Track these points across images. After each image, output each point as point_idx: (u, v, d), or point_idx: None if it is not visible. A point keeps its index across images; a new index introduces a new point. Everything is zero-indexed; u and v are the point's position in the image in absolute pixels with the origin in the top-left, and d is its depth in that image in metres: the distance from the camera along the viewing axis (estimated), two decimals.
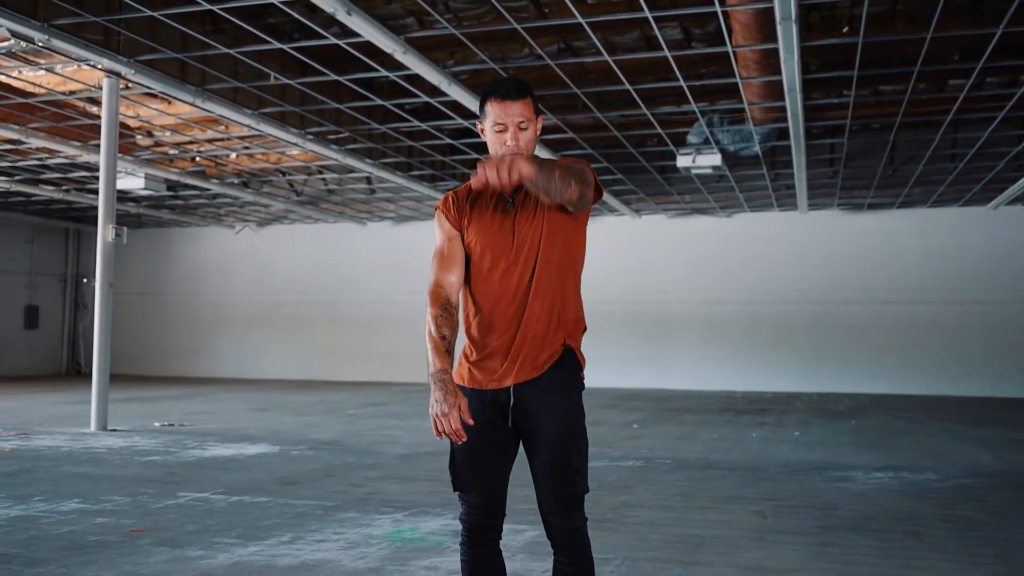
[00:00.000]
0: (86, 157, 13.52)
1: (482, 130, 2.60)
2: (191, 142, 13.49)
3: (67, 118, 11.96)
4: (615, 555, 4.43)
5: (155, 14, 8.25)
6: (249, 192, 16.87)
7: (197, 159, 14.82)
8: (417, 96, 10.56)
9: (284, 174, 16.06)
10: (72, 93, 10.90)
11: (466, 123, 11.60)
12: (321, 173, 15.69)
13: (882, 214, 17.81)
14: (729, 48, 8.66)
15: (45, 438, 9.10)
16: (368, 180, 16.13)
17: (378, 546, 4.63)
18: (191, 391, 16.26)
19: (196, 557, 4.36)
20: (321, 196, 17.87)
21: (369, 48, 8.89)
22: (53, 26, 8.31)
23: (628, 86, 9.94)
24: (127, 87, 10.40)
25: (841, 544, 4.77)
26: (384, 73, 9.68)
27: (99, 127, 10.61)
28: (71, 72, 10.17)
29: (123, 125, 12.01)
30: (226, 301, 21.63)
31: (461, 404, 2.45)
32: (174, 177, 15.03)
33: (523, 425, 2.56)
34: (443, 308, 2.55)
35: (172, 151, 14.20)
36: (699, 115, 11.41)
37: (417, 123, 11.97)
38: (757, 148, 12.36)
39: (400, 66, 9.32)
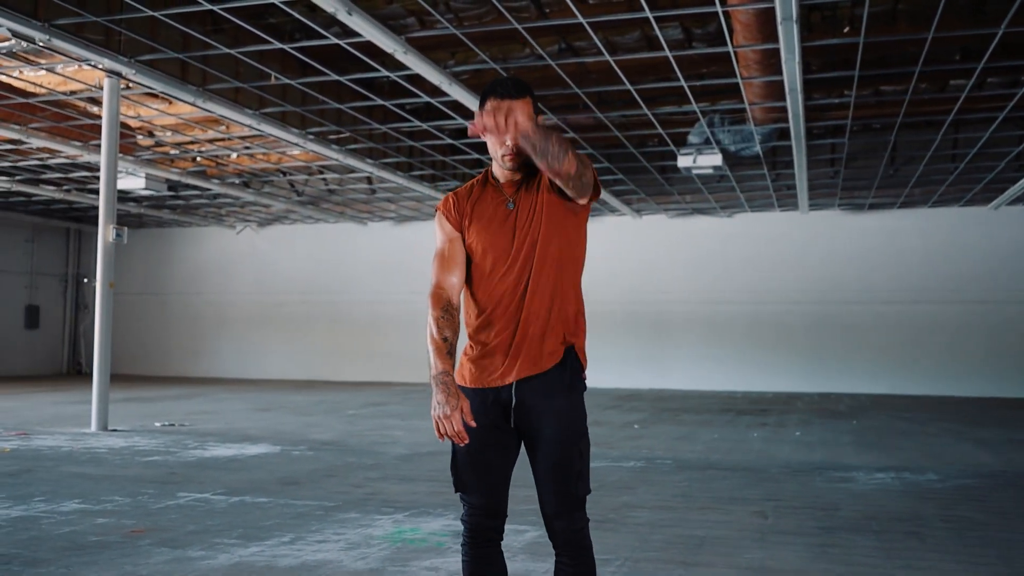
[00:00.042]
0: (87, 157, 13.52)
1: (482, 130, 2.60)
2: (192, 142, 13.49)
3: (68, 118, 11.97)
4: (616, 556, 4.43)
5: (156, 14, 8.25)
6: (250, 192, 16.87)
7: (198, 159, 14.81)
8: (418, 96, 10.56)
9: (285, 174, 16.06)
10: (73, 93, 10.90)
11: (467, 123, 11.56)
12: (322, 173, 15.69)
13: (883, 214, 17.80)
14: (730, 48, 8.65)
15: (46, 438, 9.10)
16: (369, 180, 16.13)
17: (379, 547, 4.63)
18: (192, 391, 16.26)
19: (197, 558, 4.36)
20: (322, 196, 17.87)
21: (370, 48, 8.89)
22: (54, 26, 8.31)
23: (629, 86, 9.93)
24: (128, 87, 10.40)
25: (842, 545, 4.77)
26: (385, 73, 9.68)
27: (100, 127, 10.61)
28: (72, 72, 10.17)
29: (124, 125, 12.01)
30: (227, 301, 21.63)
31: (463, 406, 2.44)
32: (175, 177, 15.03)
33: (525, 426, 2.55)
34: (444, 310, 2.54)
35: (173, 151, 14.20)
36: (700, 115, 11.41)
37: (418, 123, 11.97)
38: (758, 148, 12.35)
39: (401, 66, 9.32)
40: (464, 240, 2.62)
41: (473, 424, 2.45)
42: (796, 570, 4.25)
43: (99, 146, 10.87)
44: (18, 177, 16.20)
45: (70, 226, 21.98)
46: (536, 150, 2.34)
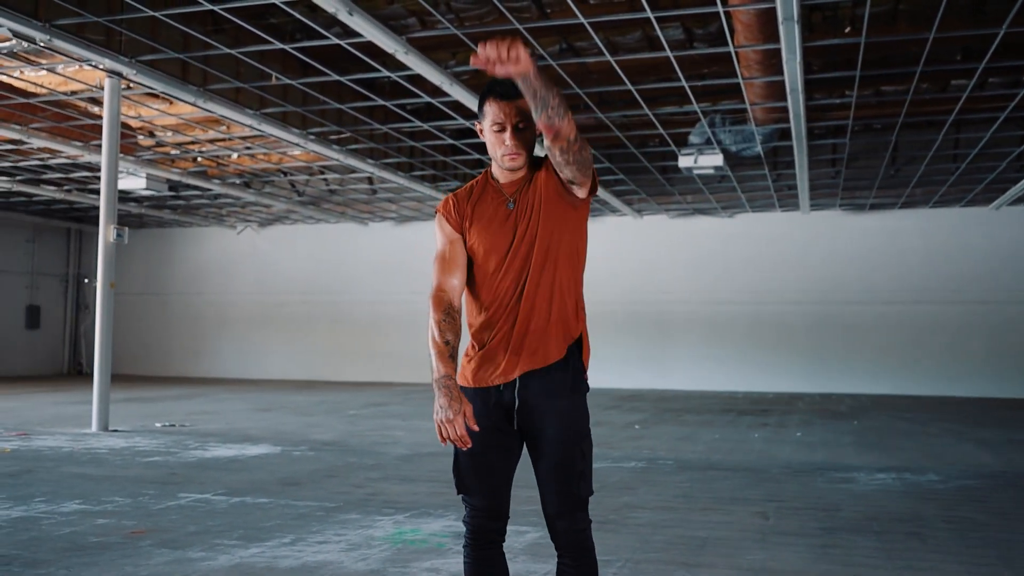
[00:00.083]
0: (88, 157, 13.52)
1: (481, 130, 2.59)
2: (193, 142, 13.49)
3: (69, 118, 11.96)
4: (617, 557, 4.42)
5: (157, 14, 8.24)
6: (251, 192, 16.87)
7: (199, 159, 14.81)
8: (419, 96, 10.56)
9: (286, 174, 16.06)
10: (74, 93, 10.90)
11: (467, 123, 11.59)
12: (323, 173, 15.69)
13: (884, 214, 17.79)
14: (731, 48, 8.65)
15: (46, 438, 9.10)
16: (370, 180, 16.13)
17: (379, 548, 4.63)
18: (192, 391, 16.26)
19: (197, 558, 4.35)
20: (323, 196, 17.87)
21: (371, 48, 8.89)
22: (54, 26, 8.31)
23: (630, 86, 9.93)
24: (128, 87, 10.40)
25: (843, 545, 4.76)
26: (386, 73, 9.68)
27: (101, 127, 10.61)
28: (72, 72, 10.17)
29: (125, 125, 12.01)
30: (228, 301, 21.64)
31: (466, 410, 2.43)
32: (176, 177, 15.03)
33: (527, 427, 2.55)
34: (446, 313, 2.53)
35: (174, 151, 14.20)
36: (701, 115, 11.40)
37: (419, 123, 11.96)
38: (759, 148, 12.34)
39: (402, 66, 9.32)
40: (465, 242, 2.61)
41: (476, 428, 2.44)
42: (797, 571, 4.25)
43: (100, 146, 10.87)
44: (19, 177, 16.20)
45: (71, 226, 21.98)
46: (536, 97, 2.31)
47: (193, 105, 10.54)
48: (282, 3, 7.83)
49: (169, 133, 12.99)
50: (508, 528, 2.64)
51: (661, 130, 11.89)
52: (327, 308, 20.76)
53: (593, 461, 2.62)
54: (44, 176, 16.07)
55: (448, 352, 2.48)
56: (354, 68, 9.74)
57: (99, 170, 12.07)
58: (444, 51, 9.41)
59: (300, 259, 21.20)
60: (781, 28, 7.58)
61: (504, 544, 2.65)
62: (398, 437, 9.55)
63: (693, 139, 12.29)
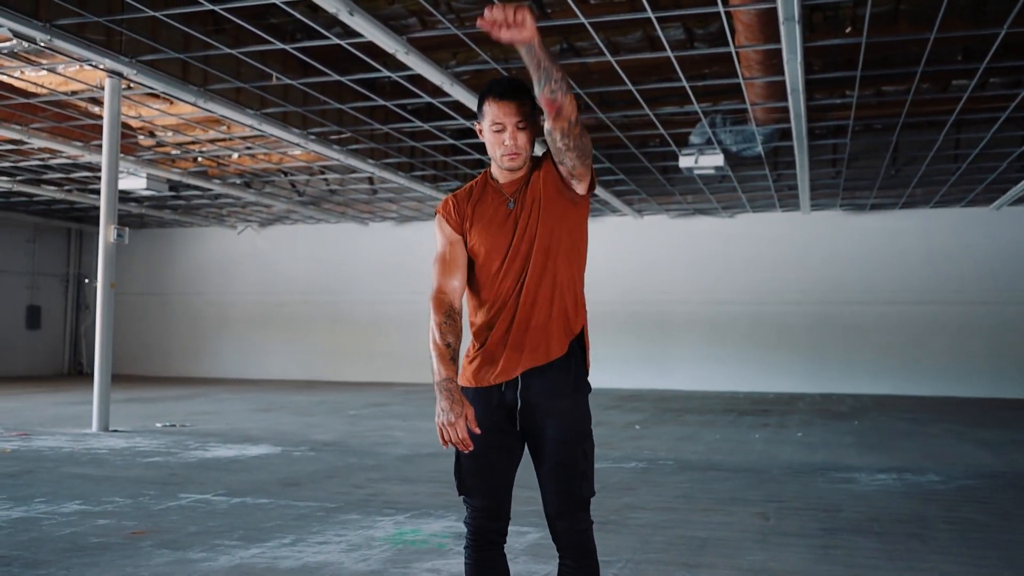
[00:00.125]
0: (88, 157, 13.52)
1: (480, 131, 2.58)
2: (193, 142, 13.49)
3: (69, 118, 11.96)
4: (618, 557, 4.42)
5: (157, 14, 8.24)
6: (251, 192, 16.87)
7: (199, 159, 14.81)
8: (419, 96, 10.55)
9: (286, 174, 16.06)
10: (74, 93, 10.90)
11: (468, 123, 11.59)
12: (323, 173, 15.69)
13: (885, 215, 17.79)
14: (732, 48, 8.64)
15: (46, 439, 9.10)
16: (370, 180, 16.13)
17: (380, 548, 4.62)
18: (193, 391, 16.26)
19: (197, 559, 4.35)
20: (323, 196, 17.87)
21: (371, 48, 8.88)
22: (55, 26, 8.31)
23: (631, 86, 9.93)
24: (129, 87, 10.40)
25: (844, 546, 4.76)
26: (386, 73, 9.68)
27: (101, 127, 10.61)
28: (73, 72, 10.17)
29: (125, 125, 12.01)
30: (228, 301, 21.64)
31: (468, 413, 2.42)
32: (176, 177, 15.03)
33: (529, 427, 2.54)
34: (447, 315, 2.52)
35: (174, 151, 14.20)
36: (702, 115, 11.40)
37: (419, 123, 11.96)
38: (759, 148, 12.34)
39: (402, 66, 9.31)
40: (466, 243, 2.60)
41: (478, 431, 2.43)
42: (798, 572, 4.24)
43: (100, 146, 10.87)
44: (19, 177, 16.20)
45: (71, 226, 21.98)
46: (540, 67, 2.30)
47: (194, 105, 10.54)
48: (283, 3, 7.82)
49: (169, 133, 12.99)
50: (509, 529, 2.63)
51: (662, 130, 11.89)
52: (327, 308, 20.76)
53: (595, 461, 2.61)
54: (45, 176, 16.07)
55: (449, 355, 2.47)
56: (355, 68, 9.74)
57: (99, 170, 12.06)
58: (445, 51, 9.41)
59: (300, 259, 21.20)
60: (782, 28, 7.58)
61: (505, 545, 2.65)
62: (398, 437, 9.54)
63: (694, 139, 12.29)
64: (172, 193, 16.94)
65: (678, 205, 17.92)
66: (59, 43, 8.49)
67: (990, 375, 16.86)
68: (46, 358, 21.85)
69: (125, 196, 16.69)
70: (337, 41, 8.72)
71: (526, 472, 2.64)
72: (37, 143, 12.61)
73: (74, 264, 22.53)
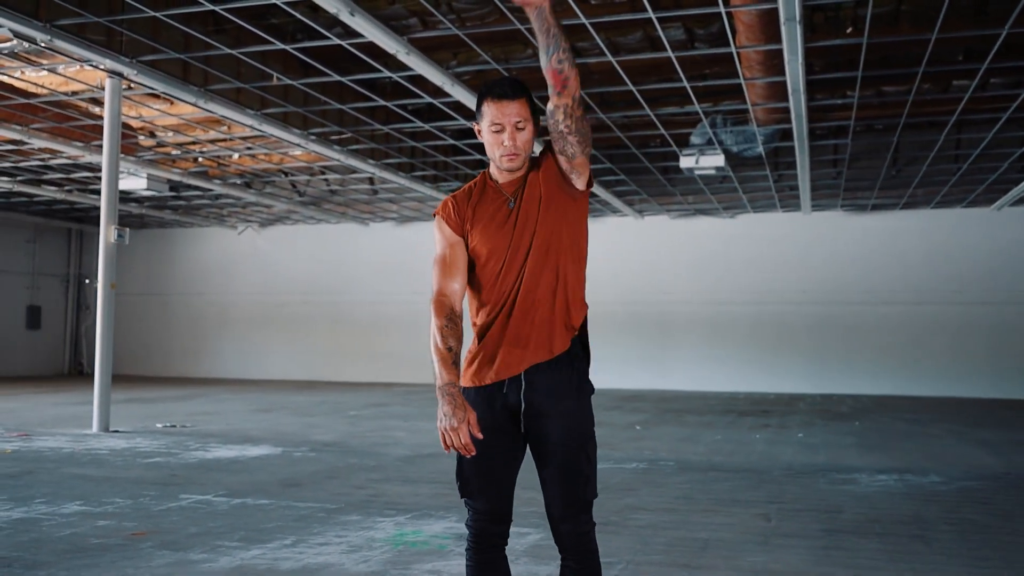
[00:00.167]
0: (88, 158, 13.52)
1: (479, 131, 2.57)
2: (193, 143, 13.49)
3: (69, 119, 11.96)
4: (619, 559, 4.41)
5: (157, 14, 8.24)
6: (252, 193, 16.87)
7: (200, 160, 14.81)
8: (420, 97, 10.55)
9: (287, 175, 16.06)
10: (74, 93, 10.90)
11: (469, 124, 11.59)
12: (324, 174, 15.68)
13: (885, 215, 17.78)
14: (733, 49, 8.64)
15: (47, 439, 9.09)
16: (371, 181, 16.12)
17: (381, 549, 4.62)
18: (193, 392, 16.26)
19: (198, 560, 4.34)
20: (323, 197, 17.87)
21: (372, 49, 8.88)
22: (55, 26, 8.30)
23: (631, 87, 9.92)
24: (129, 87, 10.39)
25: (846, 547, 4.75)
26: (387, 74, 9.67)
27: (101, 127, 10.61)
28: (73, 72, 10.17)
29: (125, 126, 12.01)
30: (228, 302, 21.64)
31: (470, 418, 2.41)
32: (176, 178, 15.03)
33: (533, 430, 2.53)
34: (448, 319, 2.50)
35: (175, 152, 14.19)
36: (702, 116, 11.39)
37: (420, 124, 11.96)
38: (760, 149, 12.33)
39: (403, 67, 9.31)
40: (467, 244, 2.58)
41: (480, 436, 2.43)
42: (799, 573, 4.24)
43: (101, 146, 10.87)
44: (20, 178, 16.20)
45: (72, 226, 21.98)
46: (549, 35, 2.32)
47: (194, 105, 10.53)
48: (283, 3, 7.82)
49: (170, 133, 12.99)
50: (510, 530, 2.63)
51: (662, 130, 11.88)
52: (328, 308, 20.75)
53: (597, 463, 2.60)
54: (45, 176, 16.07)
55: (451, 359, 2.46)
56: (355, 68, 9.73)
57: (100, 170, 12.05)
58: (445, 51, 9.40)
59: (301, 259, 21.20)
60: (783, 29, 7.58)
61: (506, 547, 2.64)
62: (399, 438, 9.54)
63: (694, 140, 12.28)
64: (172, 193, 16.93)
65: (679, 205, 17.91)
66: (59, 43, 8.49)
67: (990, 375, 16.85)
68: (46, 358, 21.85)
69: (125, 196, 16.68)
70: (338, 41, 8.72)
71: (526, 473, 2.63)
72: (37, 143, 12.61)
73: (74, 264, 22.53)
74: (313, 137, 12.37)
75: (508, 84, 2.52)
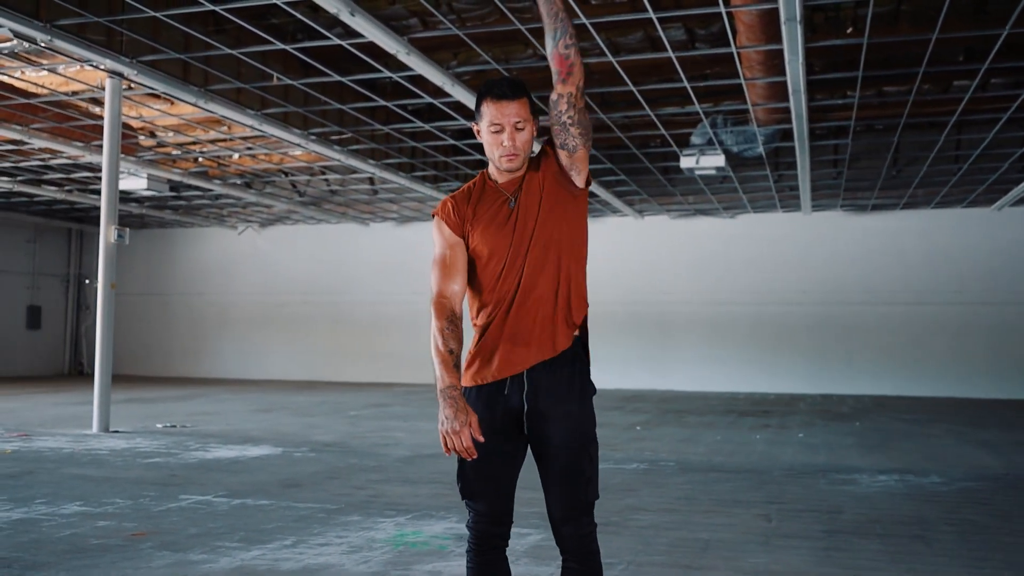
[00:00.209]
0: (89, 158, 13.52)
1: (478, 131, 2.56)
2: (194, 143, 13.48)
3: (70, 119, 11.96)
4: (619, 559, 4.41)
5: (158, 15, 8.24)
6: (252, 193, 16.87)
7: (200, 160, 14.81)
8: (420, 97, 10.55)
9: (287, 175, 16.05)
10: (75, 94, 10.89)
11: (468, 124, 11.58)
12: (324, 174, 15.68)
13: (886, 215, 17.78)
14: (733, 49, 8.63)
15: (47, 439, 9.09)
16: (371, 181, 16.12)
17: (381, 550, 4.61)
18: (193, 392, 16.25)
19: (198, 561, 4.34)
20: (324, 197, 17.86)
21: (372, 49, 8.88)
22: (55, 26, 8.30)
23: (632, 87, 9.92)
24: (130, 88, 10.39)
25: (847, 548, 4.75)
26: (387, 74, 9.67)
27: (102, 128, 10.60)
28: (74, 73, 10.16)
29: (126, 126, 12.00)
30: (229, 302, 21.63)
31: (472, 421, 2.40)
32: (177, 178, 15.03)
33: (535, 431, 2.52)
34: (449, 320, 2.49)
35: (175, 152, 14.19)
36: (703, 116, 11.39)
37: (420, 124, 11.95)
38: (761, 149, 12.33)
39: (403, 67, 9.31)
40: (468, 245, 2.57)
41: (482, 439, 2.42)
42: (800, 574, 4.23)
43: (101, 147, 10.87)
44: (20, 178, 16.19)
45: (72, 226, 21.98)
46: (556, 18, 2.33)
47: (194, 105, 10.53)
48: (283, 3, 7.82)
49: (170, 133, 12.99)
50: (511, 531, 2.62)
51: (663, 131, 11.88)
52: (328, 308, 20.75)
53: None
54: (45, 176, 16.07)
55: (452, 361, 2.45)
56: (355, 69, 9.73)
57: (100, 170, 12.05)
58: (446, 52, 9.40)
59: (301, 259, 21.20)
60: (783, 29, 7.57)
61: (507, 548, 2.64)
62: (399, 438, 9.53)
63: (695, 140, 12.27)
64: (173, 193, 16.93)
65: (679, 206, 17.91)
66: (60, 43, 8.49)
67: (991, 375, 16.84)
68: (46, 358, 21.85)
69: (126, 196, 16.67)
70: (338, 42, 8.72)
71: (526, 473, 2.63)
72: (38, 143, 12.61)
73: (75, 264, 22.52)
74: (313, 137, 12.36)
75: (507, 84, 2.51)
